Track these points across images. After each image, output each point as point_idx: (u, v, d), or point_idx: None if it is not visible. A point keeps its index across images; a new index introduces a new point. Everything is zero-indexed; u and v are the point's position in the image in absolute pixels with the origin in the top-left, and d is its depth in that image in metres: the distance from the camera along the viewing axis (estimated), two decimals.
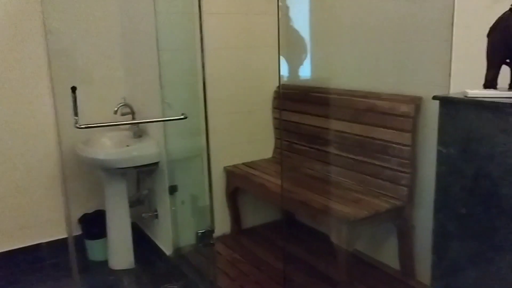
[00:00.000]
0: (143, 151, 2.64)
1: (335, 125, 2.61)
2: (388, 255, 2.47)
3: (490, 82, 1.41)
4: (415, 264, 2.33)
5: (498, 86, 1.43)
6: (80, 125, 1.98)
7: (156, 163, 2.68)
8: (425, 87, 2.16)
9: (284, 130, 3.01)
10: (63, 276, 2.70)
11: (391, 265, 2.46)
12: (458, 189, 1.41)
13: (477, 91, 1.35)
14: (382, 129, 2.33)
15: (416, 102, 2.17)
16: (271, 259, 2.66)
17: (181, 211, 2.75)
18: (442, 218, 1.48)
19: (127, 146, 2.72)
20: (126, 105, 2.78)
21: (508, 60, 1.39)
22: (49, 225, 2.85)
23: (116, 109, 2.72)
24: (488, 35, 1.40)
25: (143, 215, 2.87)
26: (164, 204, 2.75)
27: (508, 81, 1.44)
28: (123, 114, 2.76)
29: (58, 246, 2.86)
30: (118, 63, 2.94)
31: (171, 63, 2.59)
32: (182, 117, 2.22)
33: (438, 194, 1.48)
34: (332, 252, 2.22)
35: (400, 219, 2.29)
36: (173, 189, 2.68)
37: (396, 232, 2.35)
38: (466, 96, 1.35)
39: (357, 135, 2.47)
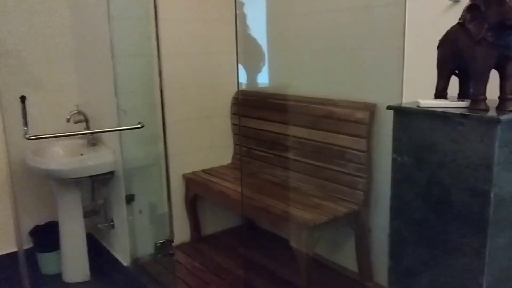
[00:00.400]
0: (98, 160, 2.56)
1: (294, 131, 2.63)
2: (347, 258, 2.52)
3: (441, 92, 1.46)
4: (373, 266, 2.39)
5: (448, 96, 1.49)
6: (30, 136, 1.89)
7: (112, 172, 2.61)
8: (379, 94, 2.22)
9: (243, 136, 3.01)
10: None
11: (349, 267, 2.51)
12: (412, 196, 1.46)
13: (429, 101, 1.41)
14: (339, 135, 2.37)
15: (371, 109, 2.23)
16: (232, 266, 2.65)
17: (139, 221, 2.69)
18: (398, 224, 1.52)
19: (81, 155, 2.64)
20: (79, 112, 2.69)
21: (457, 71, 1.46)
22: None
23: (68, 117, 2.62)
24: (438, 47, 1.46)
25: (99, 225, 2.79)
26: (120, 214, 2.68)
27: (457, 91, 1.51)
28: (76, 122, 2.67)
29: (7, 260, 2.71)
30: (70, 69, 2.84)
31: (127, 70, 2.53)
32: (138, 126, 2.16)
33: (393, 201, 1.53)
34: (292, 257, 2.24)
35: (357, 223, 2.34)
36: (130, 198, 2.61)
37: (354, 235, 2.41)
38: (418, 106, 1.40)
39: (315, 141, 2.51)
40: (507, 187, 1.31)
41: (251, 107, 2.94)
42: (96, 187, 2.85)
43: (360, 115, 2.26)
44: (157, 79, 2.58)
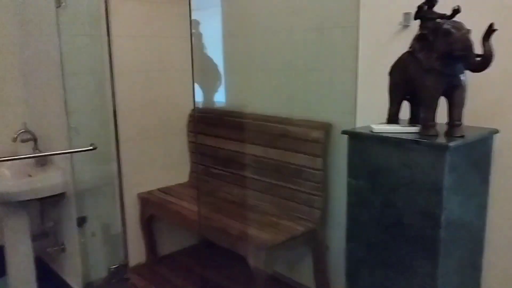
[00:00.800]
0: (48, 181, 2.44)
1: (251, 149, 2.63)
2: (305, 275, 2.53)
3: (393, 117, 1.51)
4: (330, 283, 2.41)
5: (400, 120, 1.54)
6: None
7: (62, 193, 2.50)
8: (334, 114, 2.26)
9: (201, 154, 2.97)
10: None
11: (307, 285, 2.52)
12: (368, 218, 1.48)
13: (382, 126, 1.44)
14: (296, 153, 2.39)
15: (326, 128, 2.27)
16: (189, 287, 2.60)
17: (92, 243, 2.59)
18: (354, 246, 1.54)
19: (29, 176, 2.51)
20: (27, 131, 2.56)
21: (408, 97, 1.51)
22: None
23: (15, 135, 2.50)
24: (390, 74, 1.50)
25: (49, 249, 2.66)
26: (72, 237, 2.56)
27: (409, 115, 1.56)
28: (23, 141, 2.54)
29: None
30: (18, 86, 2.71)
31: (79, 88, 2.45)
32: (90, 148, 2.09)
33: (349, 223, 1.55)
34: (251, 276, 2.22)
35: (314, 241, 2.36)
36: (82, 220, 2.51)
37: (311, 253, 2.42)
38: (371, 131, 1.43)
39: (272, 159, 2.52)
40: (456, 210, 1.36)
41: (208, 125, 2.91)
42: (45, 209, 2.72)
43: (315, 134, 2.29)
44: (110, 97, 2.51)
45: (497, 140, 1.53)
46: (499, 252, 1.65)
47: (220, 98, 2.89)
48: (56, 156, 2.58)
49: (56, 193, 2.48)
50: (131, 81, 2.70)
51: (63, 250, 2.65)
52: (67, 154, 2.47)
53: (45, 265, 2.78)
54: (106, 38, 2.43)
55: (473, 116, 1.56)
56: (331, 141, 2.28)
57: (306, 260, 2.50)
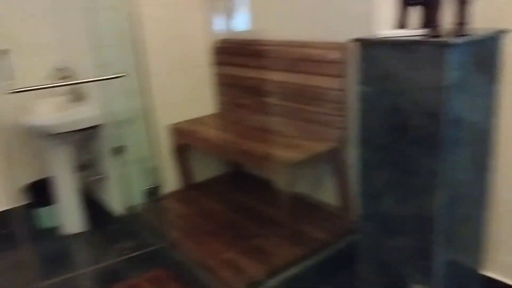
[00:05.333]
0: (83, 114, 2.63)
1: (274, 75, 2.69)
2: (328, 193, 2.65)
3: (400, 22, 1.53)
4: (352, 199, 2.52)
5: (409, 27, 1.55)
6: (13, 90, 1.95)
7: (98, 126, 2.68)
8: (351, 34, 2.26)
9: (225, 84, 3.06)
10: (12, 246, 2.69)
11: (331, 202, 2.65)
12: (376, 123, 1.55)
13: (388, 31, 1.48)
14: (316, 76, 2.44)
15: (344, 48, 2.29)
16: (222, 210, 2.78)
17: (129, 171, 2.79)
18: (364, 150, 1.63)
19: (66, 110, 2.70)
20: (59, 69, 2.72)
21: (414, 2, 1.51)
22: None
23: (48, 74, 2.66)
24: None
25: (90, 178, 2.89)
26: (110, 166, 2.78)
27: (418, 22, 1.57)
28: (58, 79, 2.71)
29: (3, 218, 2.84)
30: (48, 26, 2.84)
31: (107, 24, 2.55)
32: (123, 75, 2.21)
33: (360, 129, 1.63)
34: (276, 197, 2.36)
35: (336, 159, 2.45)
36: (118, 150, 2.71)
37: (334, 172, 2.53)
38: (378, 37, 1.47)
39: (294, 83, 2.58)
40: (460, 109, 1.41)
41: (231, 55, 2.98)
42: (85, 142, 2.93)
43: (334, 55, 2.32)
44: (137, 32, 2.60)
45: (507, 40, 1.53)
46: (508, 154, 1.69)
47: (242, 25, 2.93)
48: (90, 92, 2.75)
49: (92, 125, 2.66)
50: (155, 15, 2.76)
51: (104, 179, 2.88)
52: (100, 90, 2.62)
53: (88, 194, 3.04)
54: None
55: (485, 18, 1.56)
56: (348, 61, 2.30)
57: (328, 179, 2.62)
